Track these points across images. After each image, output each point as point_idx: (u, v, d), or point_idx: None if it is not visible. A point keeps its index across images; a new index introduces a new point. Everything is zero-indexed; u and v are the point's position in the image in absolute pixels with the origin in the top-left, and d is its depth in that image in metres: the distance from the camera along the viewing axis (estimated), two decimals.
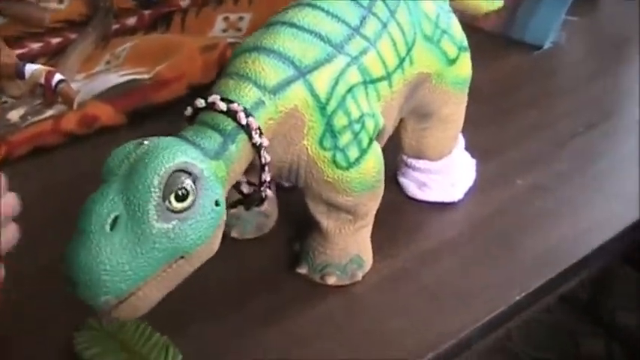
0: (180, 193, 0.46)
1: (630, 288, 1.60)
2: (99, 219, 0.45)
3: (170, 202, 0.46)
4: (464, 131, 0.74)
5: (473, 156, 0.77)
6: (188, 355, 0.59)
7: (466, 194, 0.75)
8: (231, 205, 0.60)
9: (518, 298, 0.65)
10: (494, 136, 0.83)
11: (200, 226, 0.47)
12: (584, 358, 1.48)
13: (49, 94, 0.84)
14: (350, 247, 0.64)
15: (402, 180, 0.74)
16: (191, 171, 0.47)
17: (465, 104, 0.71)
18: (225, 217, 0.50)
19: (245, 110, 0.53)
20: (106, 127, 0.83)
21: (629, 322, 1.55)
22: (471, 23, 1.01)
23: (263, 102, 0.54)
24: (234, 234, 0.69)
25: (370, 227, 0.65)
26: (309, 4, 0.59)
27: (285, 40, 0.56)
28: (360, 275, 0.65)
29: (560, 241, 0.71)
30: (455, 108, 0.70)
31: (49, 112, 0.83)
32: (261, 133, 0.53)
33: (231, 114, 0.52)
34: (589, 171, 0.79)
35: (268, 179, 0.56)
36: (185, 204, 0.47)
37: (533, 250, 0.70)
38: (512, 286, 0.66)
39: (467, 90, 0.70)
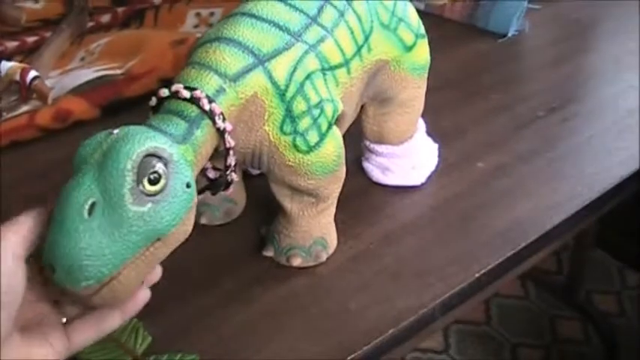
0: (152, 177, 0.48)
1: (605, 272, 1.63)
2: (76, 206, 0.46)
3: (144, 185, 0.48)
4: (427, 116, 0.77)
5: (435, 140, 0.79)
6: (158, 335, 0.61)
7: (428, 177, 0.77)
8: (199, 191, 0.62)
9: (477, 275, 0.67)
10: (457, 120, 0.85)
11: (173, 208, 0.49)
12: (561, 342, 1.51)
13: (24, 90, 0.86)
14: (313, 229, 0.66)
15: (366, 165, 0.77)
16: (161, 155, 0.49)
17: (424, 89, 0.73)
18: (196, 199, 0.52)
19: (208, 97, 0.55)
20: (80, 121, 0.85)
21: (605, 305, 1.58)
22: (436, 13, 1.04)
23: (224, 89, 0.56)
24: (203, 221, 0.71)
25: (333, 210, 0.67)
26: None
27: (244, 29, 0.58)
28: (324, 256, 0.68)
29: (519, 221, 0.73)
30: (414, 93, 0.72)
31: (25, 108, 0.86)
32: (224, 119, 0.55)
33: (195, 101, 0.54)
34: (548, 153, 0.82)
35: (233, 163, 0.58)
36: (158, 187, 0.48)
37: (492, 230, 0.72)
38: (471, 264, 0.68)
39: (425, 75, 0.72)
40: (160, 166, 0.48)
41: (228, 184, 0.60)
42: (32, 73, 0.86)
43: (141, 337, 0.62)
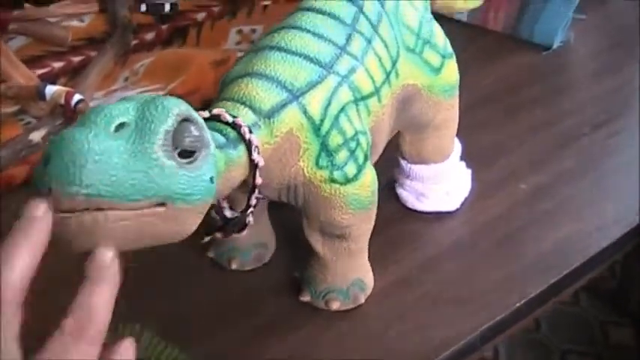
0: (187, 140, 0.45)
1: None
2: (107, 116, 0.44)
3: (176, 147, 0.45)
4: (466, 134, 0.75)
5: (475, 159, 0.78)
6: None
7: (468, 199, 0.76)
8: (211, 232, 0.59)
9: (518, 304, 0.67)
10: (497, 138, 0.84)
11: (191, 184, 0.46)
12: (613, 348, 1.48)
13: (69, 113, 0.87)
14: (349, 272, 0.65)
15: (400, 191, 0.76)
16: (198, 122, 0.47)
17: (457, 107, 0.72)
18: (210, 203, 0.49)
19: (248, 127, 0.54)
20: None
21: None
22: (479, 24, 1.03)
23: (259, 126, 0.55)
24: (234, 266, 0.70)
25: (366, 252, 0.66)
26: (295, 27, 0.61)
27: (275, 64, 0.58)
28: (362, 298, 0.66)
29: (562, 245, 0.72)
30: (448, 114, 0.71)
31: None
32: (258, 152, 0.55)
33: (236, 127, 0.54)
34: (594, 172, 0.80)
35: (254, 203, 0.57)
36: (189, 156, 0.46)
37: (534, 254, 0.71)
38: (513, 292, 0.67)
39: (457, 94, 0.71)
40: (196, 136, 0.46)
41: (243, 227, 0.59)
42: (77, 97, 0.87)
43: None
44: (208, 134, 0.49)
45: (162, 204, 0.44)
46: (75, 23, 1.06)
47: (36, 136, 0.85)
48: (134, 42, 1.02)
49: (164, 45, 1.02)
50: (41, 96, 0.88)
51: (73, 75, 0.98)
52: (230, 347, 0.64)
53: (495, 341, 0.67)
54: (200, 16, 1.05)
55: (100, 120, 0.44)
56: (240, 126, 0.54)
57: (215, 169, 0.49)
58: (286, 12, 0.64)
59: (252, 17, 1.05)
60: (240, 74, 0.59)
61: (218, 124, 0.54)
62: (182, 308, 0.65)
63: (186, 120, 0.46)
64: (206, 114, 0.54)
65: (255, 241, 0.70)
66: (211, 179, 0.48)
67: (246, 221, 0.58)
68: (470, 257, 0.71)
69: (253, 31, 1.02)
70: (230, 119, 0.54)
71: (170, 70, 0.93)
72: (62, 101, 0.87)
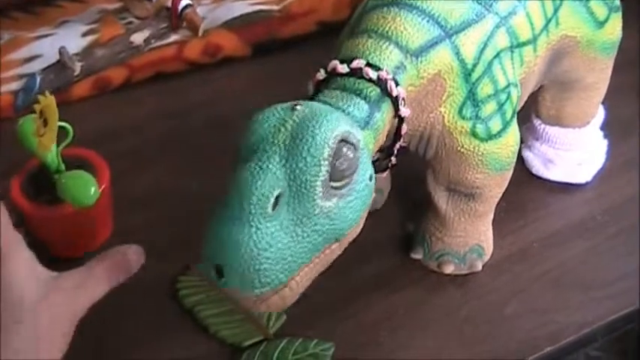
0: (342, 167, 0.43)
1: None
2: (261, 198, 0.41)
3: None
4: (606, 100, 0.68)
5: (613, 131, 0.71)
6: (292, 315, 0.56)
7: (600, 173, 0.69)
8: None
9: None
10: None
11: (357, 204, 0.44)
12: None
13: (174, 18, 0.81)
14: (470, 236, 0.60)
15: (527, 155, 0.69)
16: (352, 141, 0.43)
17: (610, 69, 0.65)
18: (373, 194, 0.47)
19: (394, 79, 0.48)
20: (229, 58, 0.81)
21: None
22: None
23: (404, 66, 0.49)
24: None
25: (491, 216, 0.60)
26: None
27: None
28: (479, 265, 0.61)
29: None
30: (601, 75, 0.64)
31: (173, 37, 0.81)
32: (404, 104, 0.49)
33: (381, 83, 0.48)
34: None
35: (398, 148, 0.52)
36: (346, 179, 0.43)
37: None
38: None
39: (614, 54, 0.64)
40: (350, 155, 0.43)
41: (387, 168, 0.54)
42: (185, 1, 0.81)
43: (275, 315, 0.58)
44: (357, 133, 0.45)
45: (335, 240, 0.44)
46: None
47: (137, 37, 0.80)
48: None
49: None
50: None
51: None
52: (329, 301, 0.59)
53: (616, 335, 0.61)
54: None
55: (254, 206, 0.41)
56: (386, 81, 0.48)
57: (369, 161, 0.46)
58: None
59: None
60: (386, 2, 0.52)
61: (358, 81, 0.48)
62: None
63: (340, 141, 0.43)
64: (344, 68, 0.48)
65: None
66: (370, 177, 0.45)
67: (390, 165, 0.53)
68: (596, 239, 0.65)
69: None
70: (374, 75, 0.48)
71: None
72: (169, 4, 0.82)
